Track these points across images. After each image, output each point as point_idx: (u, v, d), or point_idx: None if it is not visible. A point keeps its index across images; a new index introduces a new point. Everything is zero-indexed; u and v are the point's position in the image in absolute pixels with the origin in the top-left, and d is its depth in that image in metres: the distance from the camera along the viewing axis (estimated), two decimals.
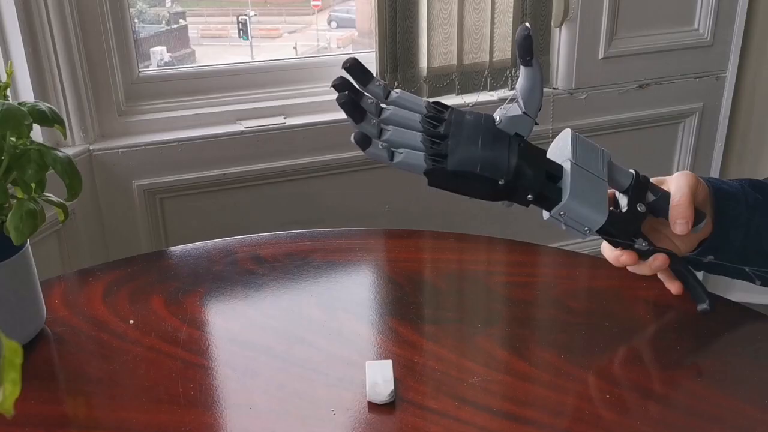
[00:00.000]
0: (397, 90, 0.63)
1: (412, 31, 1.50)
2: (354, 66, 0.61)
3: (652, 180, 0.69)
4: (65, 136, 1.21)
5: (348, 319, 0.73)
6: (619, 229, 0.65)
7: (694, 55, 1.80)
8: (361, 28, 1.90)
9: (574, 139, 0.65)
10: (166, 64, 1.66)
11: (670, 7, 1.73)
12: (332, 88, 0.61)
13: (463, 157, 0.59)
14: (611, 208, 0.65)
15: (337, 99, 0.60)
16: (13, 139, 0.64)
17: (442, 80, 1.56)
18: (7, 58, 1.24)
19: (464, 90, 1.59)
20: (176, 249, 0.91)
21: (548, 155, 0.65)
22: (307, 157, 1.51)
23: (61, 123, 0.68)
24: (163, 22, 1.81)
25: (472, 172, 0.59)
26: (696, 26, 1.78)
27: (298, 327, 0.72)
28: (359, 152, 0.59)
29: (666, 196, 0.67)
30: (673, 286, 0.72)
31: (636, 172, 0.67)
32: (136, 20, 1.55)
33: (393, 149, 0.60)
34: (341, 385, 0.62)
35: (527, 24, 0.58)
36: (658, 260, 0.67)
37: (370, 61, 1.51)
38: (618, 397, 0.60)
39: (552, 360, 0.65)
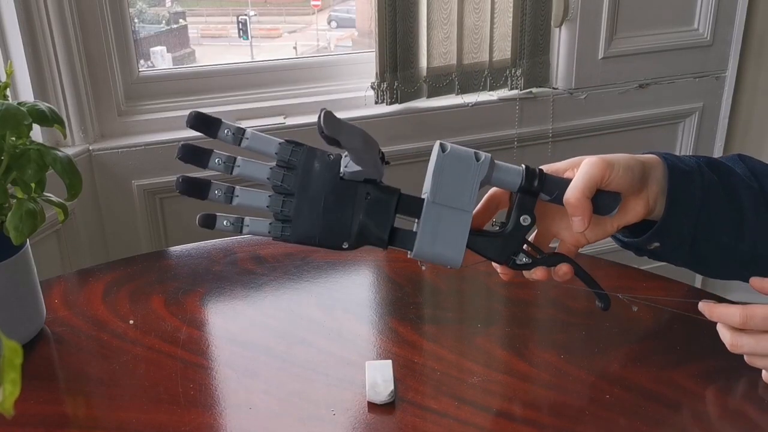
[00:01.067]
0: (249, 133, 0.59)
1: (412, 30, 1.50)
2: (197, 120, 0.58)
3: (563, 164, 0.64)
4: (65, 136, 1.21)
5: (348, 319, 0.73)
6: (495, 251, 0.62)
7: (694, 54, 1.80)
8: (361, 28, 1.90)
9: (439, 163, 0.59)
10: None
11: (669, 7, 1.73)
12: (179, 160, 0.60)
13: (303, 227, 0.59)
14: (493, 225, 0.64)
15: (176, 188, 0.59)
16: (13, 139, 0.64)
17: (442, 80, 1.56)
18: (7, 58, 1.24)
19: (464, 90, 1.59)
20: (176, 249, 0.91)
21: (427, 173, 0.61)
22: None
23: (60, 123, 0.68)
24: (163, 22, 1.81)
25: (311, 244, 0.59)
26: (696, 26, 1.78)
27: (298, 327, 0.72)
28: None
29: (565, 183, 0.62)
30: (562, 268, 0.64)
31: (525, 168, 0.61)
32: (136, 20, 1.55)
33: (243, 218, 0.60)
34: (341, 385, 0.62)
35: (323, 111, 0.54)
36: (536, 274, 0.62)
37: (370, 61, 1.51)
38: (618, 397, 0.60)
39: (552, 360, 0.65)
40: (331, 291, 0.79)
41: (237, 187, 0.60)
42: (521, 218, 0.61)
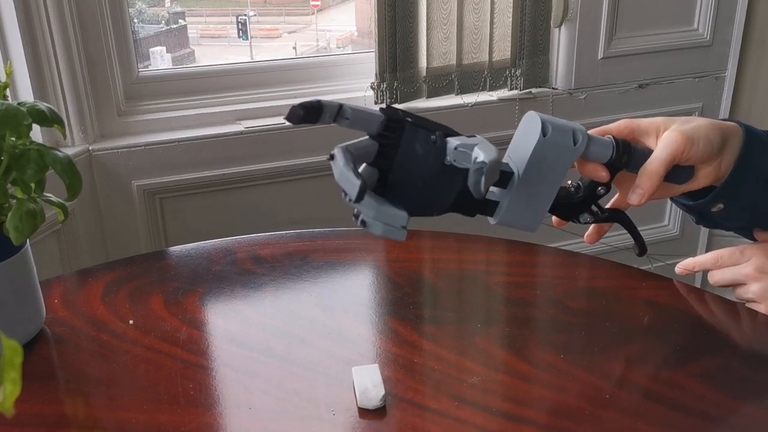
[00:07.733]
0: (349, 113, 0.57)
1: (411, 31, 1.50)
2: (298, 117, 0.55)
3: (649, 122, 0.66)
4: (65, 136, 1.21)
5: (348, 319, 0.73)
6: (565, 212, 0.67)
7: (694, 55, 1.80)
8: (360, 28, 1.90)
9: (538, 148, 0.60)
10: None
11: (669, 7, 1.74)
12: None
13: (398, 197, 0.58)
14: (569, 186, 0.67)
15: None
16: (13, 139, 0.64)
17: (442, 80, 1.56)
18: (6, 58, 1.24)
19: (463, 90, 1.59)
20: (176, 249, 0.91)
21: (513, 142, 0.63)
22: (306, 157, 1.51)
23: (60, 123, 0.67)
24: (163, 22, 1.81)
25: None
26: (695, 26, 1.78)
27: (298, 327, 0.72)
28: None
29: (645, 155, 0.64)
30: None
31: (615, 143, 0.64)
32: (135, 20, 1.55)
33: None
34: (341, 385, 0.62)
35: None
36: (588, 239, 0.71)
37: (370, 61, 1.51)
38: (618, 397, 0.60)
39: (552, 360, 0.65)
40: (331, 291, 0.79)
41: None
42: (598, 189, 0.65)
